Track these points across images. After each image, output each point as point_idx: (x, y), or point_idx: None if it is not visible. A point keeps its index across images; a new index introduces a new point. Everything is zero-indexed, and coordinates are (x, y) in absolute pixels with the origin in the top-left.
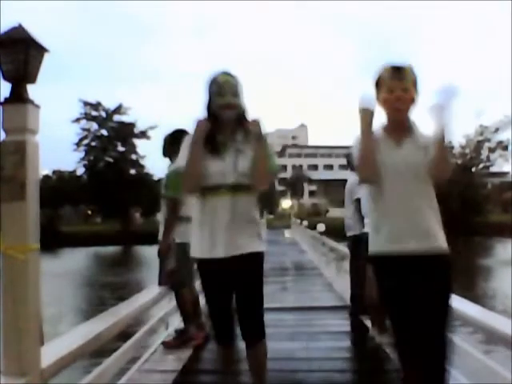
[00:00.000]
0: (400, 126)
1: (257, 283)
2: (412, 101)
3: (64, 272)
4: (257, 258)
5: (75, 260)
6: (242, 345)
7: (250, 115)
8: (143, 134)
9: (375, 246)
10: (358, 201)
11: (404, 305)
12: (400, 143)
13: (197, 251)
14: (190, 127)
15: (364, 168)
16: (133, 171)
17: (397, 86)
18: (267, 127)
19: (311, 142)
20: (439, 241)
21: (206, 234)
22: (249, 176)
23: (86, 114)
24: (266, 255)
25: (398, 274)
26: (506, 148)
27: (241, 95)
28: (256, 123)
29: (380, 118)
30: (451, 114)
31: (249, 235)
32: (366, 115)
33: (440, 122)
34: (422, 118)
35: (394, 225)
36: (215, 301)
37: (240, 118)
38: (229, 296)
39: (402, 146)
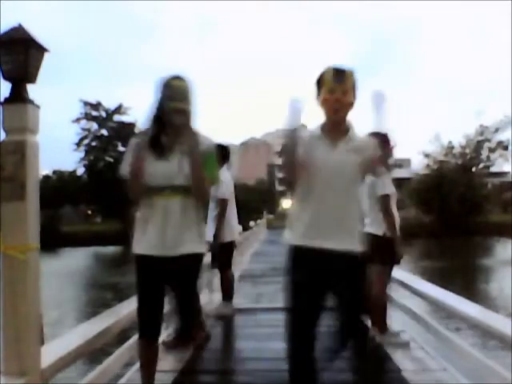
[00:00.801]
0: (337, 128)
1: (191, 283)
2: (350, 104)
3: (64, 272)
4: (192, 259)
5: (75, 260)
6: (240, 345)
7: (197, 121)
8: None
9: (293, 239)
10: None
11: (308, 297)
12: (335, 144)
13: (137, 247)
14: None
15: (288, 174)
16: None
17: (337, 88)
18: (268, 127)
19: None
20: (352, 242)
21: (148, 232)
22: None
23: (86, 114)
24: (265, 255)
25: (310, 267)
26: (506, 148)
27: (191, 101)
28: (193, 132)
29: (317, 117)
30: (385, 111)
31: (185, 236)
32: (295, 117)
33: (378, 112)
34: (358, 120)
35: (316, 222)
36: (147, 294)
37: (188, 122)
38: (161, 292)
39: (337, 147)
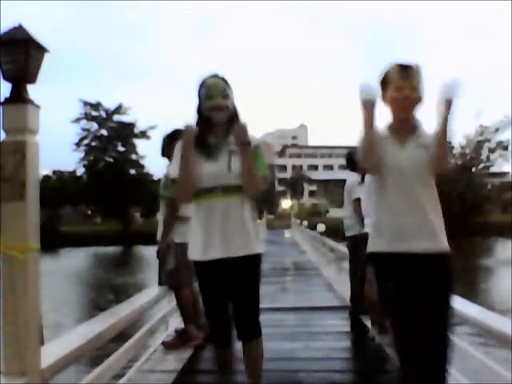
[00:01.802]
0: (405, 126)
1: (253, 284)
2: (419, 100)
3: (65, 272)
4: (252, 260)
5: (75, 260)
6: (240, 345)
7: (242, 116)
8: (143, 134)
9: (376, 246)
10: (358, 201)
11: (404, 304)
12: (404, 143)
13: (193, 253)
14: (181, 132)
15: (366, 158)
16: (133, 171)
17: (405, 84)
18: (268, 127)
19: (311, 142)
20: (441, 241)
21: (202, 235)
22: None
23: (86, 114)
24: (265, 255)
25: (398, 273)
26: (506, 148)
27: (231, 97)
28: (240, 128)
29: (385, 117)
30: (455, 107)
31: (244, 237)
32: (369, 104)
33: (444, 114)
34: (427, 117)
35: (397, 225)
36: (212, 302)
37: (231, 120)
38: (225, 297)
39: (407, 145)
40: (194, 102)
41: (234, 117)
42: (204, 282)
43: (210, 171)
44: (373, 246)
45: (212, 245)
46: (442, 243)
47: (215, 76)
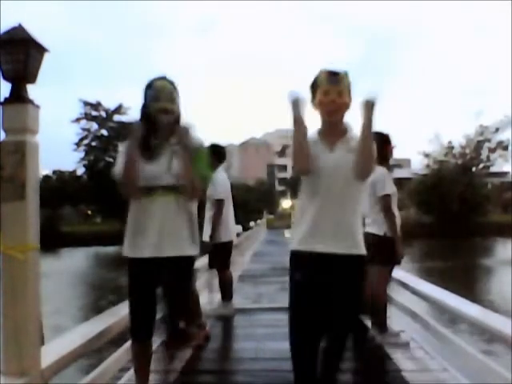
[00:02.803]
0: (334, 130)
1: (183, 286)
2: (346, 105)
3: (66, 273)
4: (184, 262)
5: (76, 260)
6: (240, 345)
7: (185, 120)
8: None
9: (293, 243)
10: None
11: (311, 300)
12: (333, 147)
13: (127, 250)
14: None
15: (297, 160)
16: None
17: (332, 89)
18: (268, 127)
19: None
20: (353, 245)
21: (138, 233)
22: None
23: (86, 114)
24: (265, 255)
25: (314, 271)
26: (506, 148)
27: (177, 100)
28: (183, 130)
29: (314, 123)
30: (375, 114)
31: (178, 237)
32: (296, 104)
33: (366, 118)
34: (356, 122)
35: (315, 225)
36: (139, 297)
37: (175, 122)
38: (153, 294)
39: (335, 149)
40: (140, 102)
41: (178, 119)
42: (134, 278)
43: (150, 171)
44: (293, 242)
45: (146, 243)
46: (354, 248)
47: (163, 78)
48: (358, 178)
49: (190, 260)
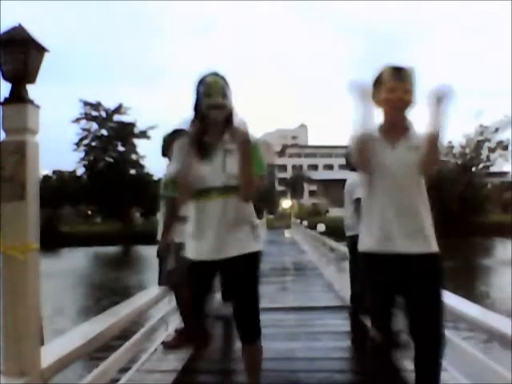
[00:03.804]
0: (397, 127)
1: (251, 284)
2: (411, 103)
3: (67, 273)
4: (250, 259)
5: (76, 260)
6: (240, 345)
7: (239, 116)
8: (143, 134)
9: (366, 245)
10: (358, 201)
11: (390, 300)
12: (395, 144)
13: (190, 253)
14: (185, 129)
15: (360, 157)
16: (133, 171)
17: (398, 86)
18: (268, 127)
19: (311, 142)
20: (430, 242)
21: (198, 236)
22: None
23: (86, 114)
24: (265, 255)
25: (388, 272)
26: (506, 148)
27: (229, 96)
28: (241, 127)
29: (377, 119)
30: (447, 112)
31: (242, 236)
32: (364, 95)
33: (436, 116)
34: (418, 118)
35: (386, 225)
36: (198, 300)
37: (228, 119)
38: (205, 295)
39: (397, 146)
40: (191, 100)
41: (230, 116)
42: (195, 280)
43: (205, 171)
44: (362, 244)
45: (209, 245)
46: (431, 244)
47: (215, 74)
48: (423, 174)
49: (255, 256)
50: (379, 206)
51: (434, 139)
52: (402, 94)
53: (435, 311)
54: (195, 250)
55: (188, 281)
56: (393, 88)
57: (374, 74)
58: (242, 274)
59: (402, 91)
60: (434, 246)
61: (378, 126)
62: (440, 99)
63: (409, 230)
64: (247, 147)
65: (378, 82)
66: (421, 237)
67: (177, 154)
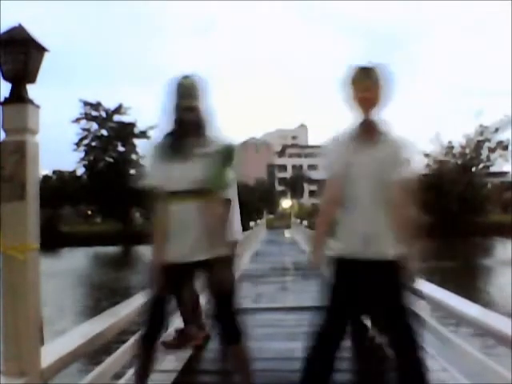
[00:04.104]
0: (369, 127)
1: (227, 286)
2: (382, 101)
3: (67, 273)
4: (224, 262)
5: (76, 260)
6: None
7: (215, 118)
8: (143, 134)
9: (337, 250)
10: None
11: (348, 304)
12: (368, 146)
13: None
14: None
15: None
16: (133, 171)
17: (367, 85)
18: (268, 127)
19: (311, 142)
20: (391, 248)
21: (172, 238)
22: (211, 181)
23: (86, 114)
24: (265, 255)
25: (356, 277)
26: (506, 148)
27: (204, 98)
28: (215, 134)
29: (349, 120)
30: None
31: (213, 239)
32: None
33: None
34: (393, 118)
35: (352, 230)
36: (159, 301)
37: (201, 122)
38: (172, 298)
39: (370, 150)
40: (163, 102)
41: (206, 118)
42: (164, 282)
43: (180, 174)
44: (334, 251)
45: (181, 248)
46: (389, 250)
47: (190, 76)
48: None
49: (228, 258)
50: (352, 211)
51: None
52: (369, 94)
53: (401, 314)
54: (168, 252)
55: (156, 282)
56: (360, 87)
57: (345, 73)
58: (217, 277)
59: (371, 90)
60: (396, 253)
61: (351, 127)
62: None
63: (376, 237)
64: (220, 156)
65: (346, 82)
66: (386, 244)
67: (152, 158)
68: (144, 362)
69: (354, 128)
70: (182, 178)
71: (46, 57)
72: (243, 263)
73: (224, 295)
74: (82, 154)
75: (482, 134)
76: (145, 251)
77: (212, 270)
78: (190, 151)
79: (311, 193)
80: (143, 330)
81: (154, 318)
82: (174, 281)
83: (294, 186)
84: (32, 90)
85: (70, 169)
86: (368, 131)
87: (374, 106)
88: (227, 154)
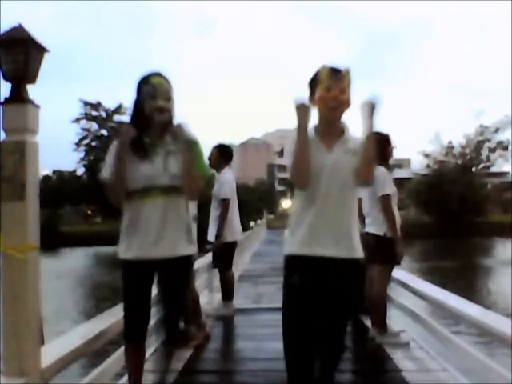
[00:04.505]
0: (332, 128)
1: (179, 287)
2: (347, 103)
3: (68, 273)
4: (183, 262)
5: (77, 260)
6: (240, 345)
7: (179, 118)
8: None
9: (291, 247)
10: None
11: (306, 304)
12: (331, 146)
13: (123, 252)
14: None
15: (298, 172)
16: None
17: (334, 85)
18: (268, 127)
19: None
20: (349, 249)
21: (135, 235)
22: (179, 178)
23: (86, 114)
24: (265, 255)
25: (308, 274)
26: (506, 148)
27: (173, 98)
28: (180, 128)
29: (312, 120)
30: (377, 118)
31: (177, 238)
32: (303, 110)
33: (368, 122)
34: (354, 122)
35: (313, 228)
36: (134, 299)
37: (169, 121)
38: (149, 296)
39: (333, 149)
40: (132, 98)
41: (171, 118)
42: (129, 279)
43: (145, 172)
44: (287, 246)
45: (142, 244)
46: (356, 249)
47: (159, 75)
48: (359, 181)
49: (188, 260)
50: (311, 208)
51: (367, 147)
52: (337, 94)
53: (343, 314)
54: (130, 248)
55: (124, 281)
56: (329, 87)
57: (311, 73)
58: (172, 276)
59: (337, 90)
60: (351, 253)
61: (313, 127)
62: (371, 109)
63: (330, 235)
64: (187, 149)
65: (314, 82)
66: (348, 242)
67: (109, 155)
68: (133, 363)
69: (318, 127)
70: (148, 175)
71: (46, 57)
72: (243, 263)
73: (173, 295)
74: (82, 154)
75: (482, 134)
76: None
77: (169, 269)
78: (157, 148)
79: None
80: (125, 330)
81: (134, 315)
82: (139, 277)
83: (294, 186)
84: (32, 90)
85: (70, 169)
86: (333, 130)
87: (340, 107)
88: (193, 150)
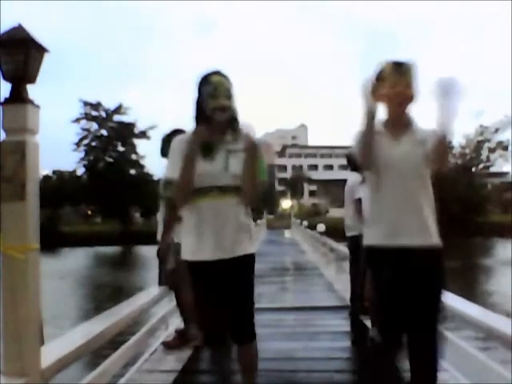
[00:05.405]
0: (399, 122)
1: (246, 285)
2: (413, 97)
3: (68, 273)
4: (246, 261)
5: (77, 260)
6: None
7: (241, 116)
8: (143, 134)
9: (371, 239)
10: (359, 201)
11: (395, 295)
12: (399, 139)
13: (186, 253)
14: (188, 132)
15: (365, 153)
16: (133, 171)
17: (399, 81)
18: (268, 127)
19: (311, 142)
20: (433, 236)
21: (196, 235)
22: (239, 178)
23: (86, 114)
24: (265, 255)
25: (392, 266)
26: (506, 148)
27: (233, 96)
28: (250, 132)
29: (380, 114)
30: (456, 107)
31: (238, 237)
32: (371, 105)
33: (444, 111)
34: (420, 114)
35: (391, 220)
36: (206, 302)
37: (231, 119)
38: (219, 297)
39: (401, 141)
40: (193, 98)
41: (233, 117)
42: (197, 282)
43: (207, 171)
44: (367, 239)
45: (205, 245)
46: (431, 238)
47: (219, 73)
48: (433, 169)
49: (251, 258)
50: (385, 201)
51: (442, 137)
52: (403, 89)
53: (432, 306)
54: (194, 250)
55: (191, 283)
56: (394, 83)
57: (376, 69)
58: (238, 276)
59: (403, 86)
60: (436, 240)
61: (380, 122)
62: (446, 93)
63: (413, 225)
64: (256, 151)
65: (379, 78)
66: (423, 231)
67: (174, 154)
68: (219, 366)
69: (385, 120)
70: (210, 175)
71: (46, 57)
72: None
73: (243, 295)
74: (82, 154)
75: (482, 134)
76: (145, 251)
77: (236, 269)
78: (219, 148)
79: (311, 193)
80: (204, 334)
81: (211, 317)
82: (210, 280)
83: (294, 186)
84: (32, 90)
85: (70, 169)
86: (400, 123)
87: (406, 101)
88: (258, 154)
